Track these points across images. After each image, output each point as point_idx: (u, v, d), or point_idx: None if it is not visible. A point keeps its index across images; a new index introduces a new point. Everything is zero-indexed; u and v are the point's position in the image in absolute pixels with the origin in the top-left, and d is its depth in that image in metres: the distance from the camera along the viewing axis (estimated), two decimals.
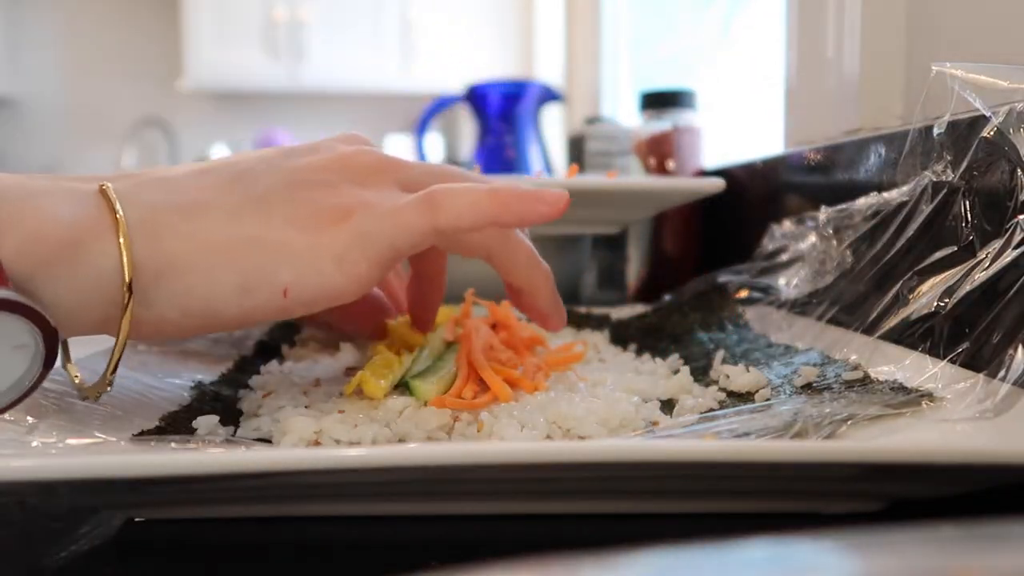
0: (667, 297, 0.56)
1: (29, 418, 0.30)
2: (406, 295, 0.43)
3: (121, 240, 0.30)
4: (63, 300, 0.29)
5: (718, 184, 0.61)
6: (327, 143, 0.36)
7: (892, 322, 0.40)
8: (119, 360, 0.31)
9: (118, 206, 0.30)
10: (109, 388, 0.32)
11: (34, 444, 0.28)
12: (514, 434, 0.32)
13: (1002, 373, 0.31)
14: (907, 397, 0.32)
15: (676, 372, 0.41)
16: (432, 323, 0.43)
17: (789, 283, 0.51)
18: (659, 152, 0.78)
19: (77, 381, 0.33)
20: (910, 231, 0.41)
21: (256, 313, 0.32)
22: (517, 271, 0.37)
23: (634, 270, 0.79)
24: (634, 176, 0.79)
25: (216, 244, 0.31)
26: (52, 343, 0.29)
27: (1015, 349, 0.32)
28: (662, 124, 0.78)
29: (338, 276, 0.32)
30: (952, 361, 0.35)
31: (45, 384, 0.33)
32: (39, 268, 0.29)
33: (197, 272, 0.31)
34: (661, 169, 0.78)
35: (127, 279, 0.29)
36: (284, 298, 0.31)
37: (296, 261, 0.31)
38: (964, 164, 0.38)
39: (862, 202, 0.46)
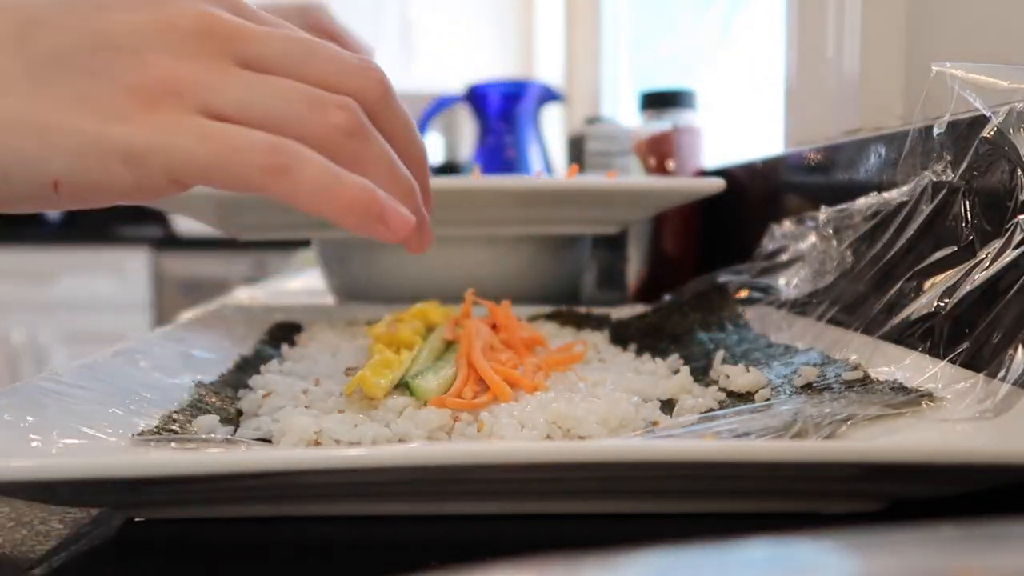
0: (667, 297, 0.56)
1: (29, 418, 0.30)
2: None
3: None
4: None
5: (718, 184, 0.61)
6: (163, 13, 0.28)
7: (892, 322, 0.40)
8: None
9: None
10: None
11: (34, 444, 0.28)
12: (514, 434, 0.32)
13: (1002, 373, 0.31)
14: (907, 397, 0.32)
15: (676, 372, 0.41)
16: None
17: (789, 283, 0.51)
18: (659, 152, 0.78)
19: None
20: (910, 231, 0.41)
21: (18, 202, 0.28)
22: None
23: (634, 270, 0.79)
24: (634, 176, 0.79)
25: None
26: None
27: (1015, 349, 0.32)
28: (662, 124, 0.78)
29: (126, 177, 0.27)
30: (952, 361, 0.35)
31: (45, 384, 0.33)
32: None
33: None
34: (661, 169, 0.78)
35: None
36: (54, 190, 0.27)
37: (73, 152, 0.26)
38: (964, 164, 0.38)
39: (862, 202, 0.46)
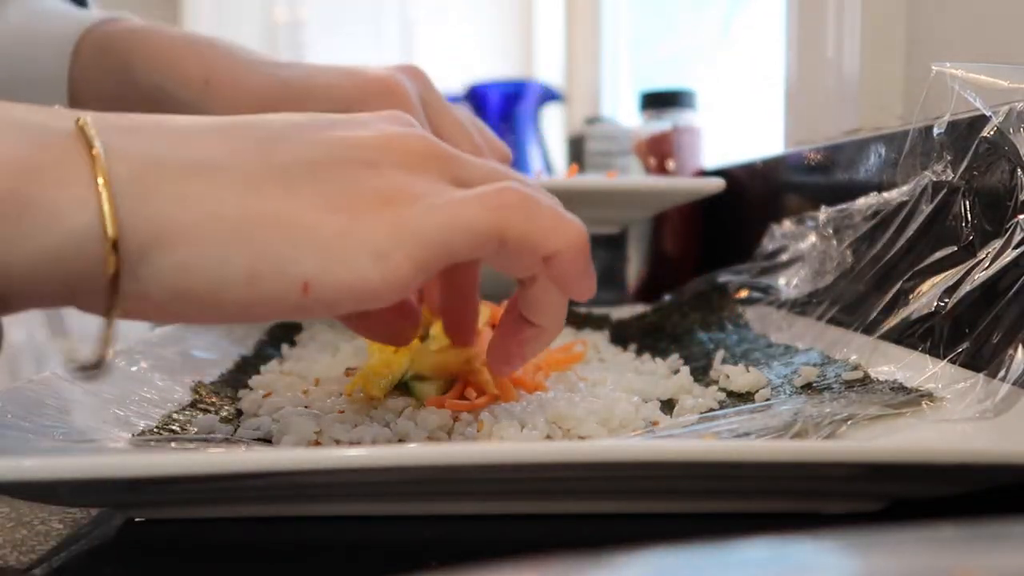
0: (667, 297, 0.56)
1: (29, 418, 0.30)
2: (438, 309, 0.38)
3: (101, 186, 0.24)
4: (10, 265, 0.24)
5: (718, 184, 0.61)
6: (371, 119, 0.30)
7: (892, 322, 0.40)
8: (112, 336, 0.26)
9: (97, 145, 0.24)
10: (106, 360, 0.27)
11: (34, 444, 0.28)
12: (514, 434, 0.32)
13: (1002, 373, 0.31)
14: (907, 397, 0.32)
15: (676, 372, 0.41)
16: (472, 338, 0.37)
17: (789, 283, 0.51)
18: (659, 152, 0.78)
19: (69, 354, 0.28)
20: (910, 231, 0.41)
21: (265, 307, 0.26)
22: (544, 315, 0.32)
23: (634, 270, 0.79)
24: (634, 176, 0.79)
25: (226, 215, 0.25)
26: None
27: (1015, 349, 0.32)
28: (662, 124, 0.78)
29: (374, 275, 0.26)
30: (952, 361, 0.35)
31: (44, 384, 0.33)
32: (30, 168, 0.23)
33: (199, 246, 0.25)
34: (661, 169, 0.78)
35: (111, 236, 0.24)
36: (303, 294, 0.26)
37: (324, 250, 0.26)
38: (964, 164, 0.38)
39: (862, 202, 0.46)
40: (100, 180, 0.24)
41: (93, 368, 0.27)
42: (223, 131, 0.27)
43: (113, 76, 0.46)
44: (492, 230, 0.27)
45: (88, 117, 0.25)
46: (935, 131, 0.40)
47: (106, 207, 0.24)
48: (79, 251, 0.24)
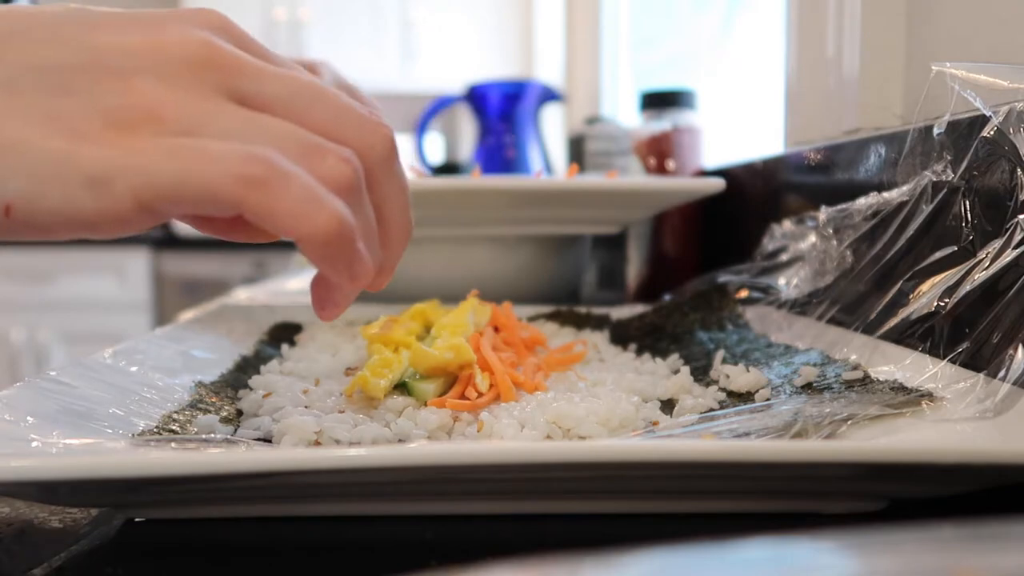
0: (667, 297, 0.56)
1: (29, 418, 0.30)
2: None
3: None
4: None
5: (718, 184, 0.61)
6: (167, 19, 0.26)
7: (892, 322, 0.40)
8: None
9: None
10: None
11: (34, 444, 0.28)
12: (514, 434, 0.32)
13: (1002, 373, 0.31)
14: (907, 397, 0.32)
15: (676, 372, 0.41)
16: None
17: (789, 283, 0.51)
18: (659, 152, 0.78)
19: None
20: (910, 231, 0.41)
21: None
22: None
23: (634, 270, 0.79)
24: (634, 176, 0.79)
25: None
26: None
27: (1015, 349, 0.32)
28: (662, 124, 0.78)
29: (88, 204, 0.24)
30: (952, 361, 0.35)
31: (44, 384, 0.33)
32: None
33: None
34: (661, 169, 0.78)
35: None
36: (4, 215, 0.24)
37: (33, 172, 0.24)
38: (964, 164, 0.38)
39: (862, 202, 0.46)
40: None
41: None
42: None
43: None
44: (228, 199, 0.24)
45: None
46: (935, 131, 0.40)
47: None
48: None
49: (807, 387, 0.36)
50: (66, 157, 0.24)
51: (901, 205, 0.42)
